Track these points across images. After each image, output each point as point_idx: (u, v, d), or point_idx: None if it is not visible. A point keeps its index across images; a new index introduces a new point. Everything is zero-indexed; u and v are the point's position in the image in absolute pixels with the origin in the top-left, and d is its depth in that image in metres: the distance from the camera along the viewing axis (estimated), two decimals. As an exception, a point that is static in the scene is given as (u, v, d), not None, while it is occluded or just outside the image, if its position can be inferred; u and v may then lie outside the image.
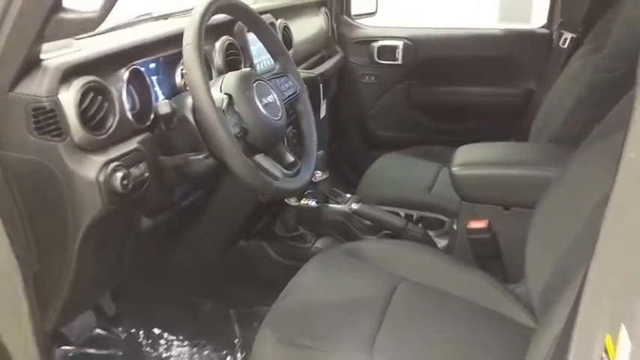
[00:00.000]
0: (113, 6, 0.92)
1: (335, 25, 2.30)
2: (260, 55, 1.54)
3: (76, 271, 1.05)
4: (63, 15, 0.91)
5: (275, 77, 1.31)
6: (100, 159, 0.99)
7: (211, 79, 1.26)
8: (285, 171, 1.16)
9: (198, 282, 1.67)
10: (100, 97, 1.01)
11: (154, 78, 1.24)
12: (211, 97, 1.02)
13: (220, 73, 1.34)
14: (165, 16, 1.52)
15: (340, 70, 2.25)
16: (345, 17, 2.34)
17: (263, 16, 1.59)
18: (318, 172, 1.63)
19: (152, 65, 1.23)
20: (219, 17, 1.34)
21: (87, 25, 0.92)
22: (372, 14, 2.39)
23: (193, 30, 1.05)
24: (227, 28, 1.44)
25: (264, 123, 1.14)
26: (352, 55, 2.32)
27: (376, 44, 2.28)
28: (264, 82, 1.21)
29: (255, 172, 1.06)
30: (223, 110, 1.07)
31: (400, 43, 2.25)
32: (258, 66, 1.52)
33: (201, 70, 1.02)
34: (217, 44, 1.38)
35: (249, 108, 1.12)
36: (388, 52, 2.27)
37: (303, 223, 1.65)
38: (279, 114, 1.19)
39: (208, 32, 1.36)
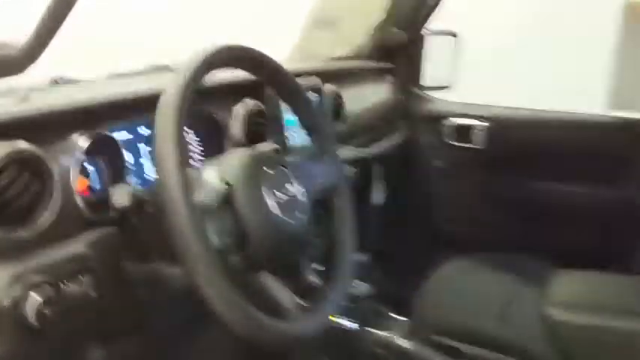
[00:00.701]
0: (44, 45, 0.60)
1: (401, 97, 1.95)
2: (297, 128, 1.20)
3: None
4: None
5: (307, 160, 0.96)
6: (9, 271, 0.65)
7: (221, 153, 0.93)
8: (300, 300, 0.79)
9: None
10: (26, 174, 0.68)
11: (143, 147, 0.92)
12: (182, 188, 0.67)
13: (238, 147, 1.01)
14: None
15: (403, 150, 1.89)
16: (414, 89, 1.99)
17: (307, 79, 1.26)
18: (361, 283, 1.24)
19: (141, 129, 0.91)
20: (245, 74, 1.02)
21: (4, 68, 0.60)
22: (445, 88, 2.02)
23: (177, 84, 0.71)
24: (255, 90, 1.11)
25: (273, 226, 0.76)
26: (420, 134, 1.96)
27: (450, 123, 1.91)
28: (285, 168, 0.85)
29: (241, 310, 0.69)
30: (207, 210, 0.72)
31: (481, 123, 1.87)
32: (291, 141, 1.17)
33: (174, 144, 0.68)
34: (238, 109, 1.06)
35: (254, 204, 0.76)
36: (465, 132, 1.89)
37: (331, 349, 1.24)
38: (302, 214, 0.82)
39: (225, 92, 1.04)
